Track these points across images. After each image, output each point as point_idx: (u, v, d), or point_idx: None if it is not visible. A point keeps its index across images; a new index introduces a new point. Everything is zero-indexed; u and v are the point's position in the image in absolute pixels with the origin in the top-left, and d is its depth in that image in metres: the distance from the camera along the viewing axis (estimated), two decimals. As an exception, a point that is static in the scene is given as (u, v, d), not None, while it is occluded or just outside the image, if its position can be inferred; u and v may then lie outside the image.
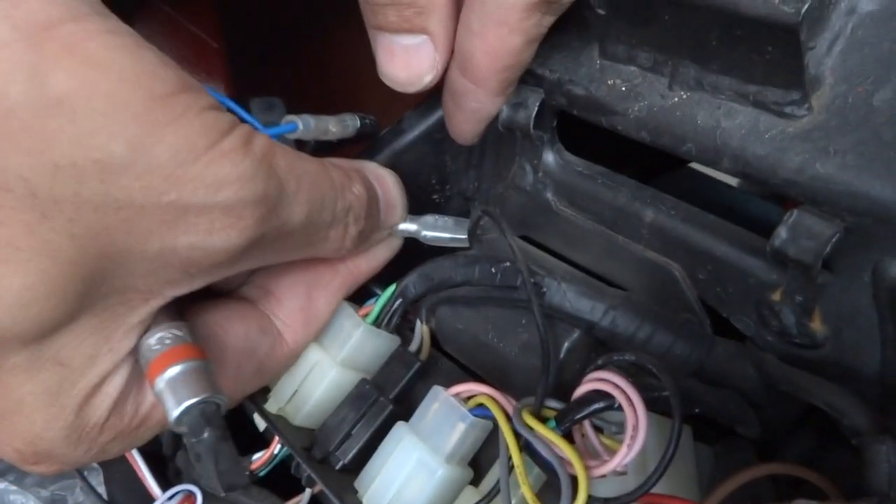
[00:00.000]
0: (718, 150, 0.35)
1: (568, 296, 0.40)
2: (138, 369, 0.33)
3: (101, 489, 0.51)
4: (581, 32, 0.42)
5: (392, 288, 0.46)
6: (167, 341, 0.33)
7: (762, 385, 0.39)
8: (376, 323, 0.46)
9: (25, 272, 0.26)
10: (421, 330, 0.46)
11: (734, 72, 0.35)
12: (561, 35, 0.43)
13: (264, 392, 0.47)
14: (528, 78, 0.44)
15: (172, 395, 0.32)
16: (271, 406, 0.45)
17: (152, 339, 0.33)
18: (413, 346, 0.47)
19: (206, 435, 0.31)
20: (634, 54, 0.39)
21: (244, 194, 0.30)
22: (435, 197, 0.53)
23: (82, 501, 0.51)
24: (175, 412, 0.31)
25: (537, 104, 0.43)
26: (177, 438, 0.53)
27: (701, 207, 0.42)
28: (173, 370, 0.32)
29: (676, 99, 0.37)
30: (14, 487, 0.51)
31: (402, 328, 0.48)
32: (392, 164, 0.50)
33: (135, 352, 0.33)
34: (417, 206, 0.54)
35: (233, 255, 0.31)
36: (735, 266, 0.38)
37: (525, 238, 0.49)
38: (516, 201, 0.49)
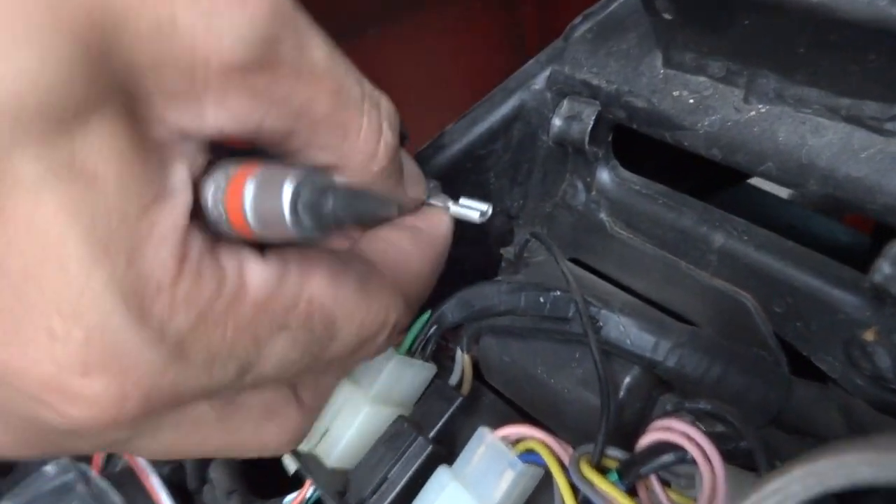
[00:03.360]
0: (804, 171, 0.31)
1: (628, 331, 0.36)
2: (204, 227, 0.25)
3: (122, 523, 0.49)
4: (642, 39, 0.38)
5: (426, 315, 0.42)
6: (235, 164, 0.25)
7: (849, 433, 0.35)
8: (410, 351, 0.42)
9: (27, 36, 0.20)
10: (462, 360, 0.43)
11: (823, 82, 0.31)
12: (618, 41, 0.39)
13: (295, 428, 0.43)
14: (582, 89, 0.40)
15: (271, 187, 0.24)
16: (302, 445, 0.42)
17: (217, 173, 0.25)
18: (453, 379, 0.43)
19: (330, 202, 0.23)
20: (704, 63, 0.35)
21: None
22: (477, 216, 0.50)
23: (102, 535, 0.49)
24: (286, 199, 0.23)
25: (593, 117, 0.39)
26: (202, 469, 0.51)
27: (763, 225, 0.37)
28: (259, 173, 0.24)
29: (753, 113, 0.33)
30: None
31: (440, 356, 0.45)
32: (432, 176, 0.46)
33: (189, 192, 0.25)
34: (458, 225, 0.51)
35: (243, 61, 0.23)
36: (820, 300, 0.34)
37: (575, 261, 0.46)
38: (566, 221, 0.45)
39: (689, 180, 0.49)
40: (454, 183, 0.47)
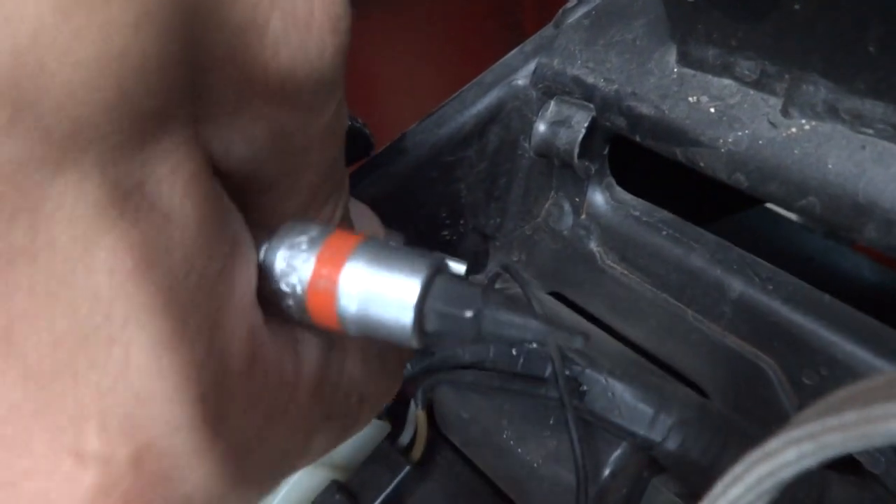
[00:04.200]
0: (860, 212, 0.24)
1: (618, 399, 0.28)
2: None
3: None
4: (651, 27, 0.30)
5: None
6: (316, 231, 0.18)
7: (893, 544, 0.27)
8: (357, 401, 0.35)
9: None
10: (415, 418, 0.35)
11: (894, 94, 0.23)
12: (622, 30, 0.31)
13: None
14: (574, 88, 0.32)
15: (386, 291, 0.17)
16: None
17: (292, 237, 0.18)
18: (404, 438, 0.35)
19: (470, 308, 0.16)
20: (732, 61, 0.27)
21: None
22: (445, 234, 0.42)
23: None
24: (407, 314, 0.17)
25: (585, 125, 0.31)
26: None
27: (774, 256, 0.30)
28: (359, 256, 0.17)
29: (794, 129, 0.25)
30: None
31: (393, 406, 0.37)
32: (388, 193, 0.38)
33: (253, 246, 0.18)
34: (422, 244, 0.43)
35: (319, 82, 0.18)
36: (864, 376, 0.26)
37: (557, 295, 0.38)
38: (548, 248, 0.38)
39: (700, 202, 0.42)
40: (417, 195, 0.39)
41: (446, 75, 0.84)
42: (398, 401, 0.38)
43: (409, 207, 0.40)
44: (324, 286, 0.17)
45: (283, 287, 0.17)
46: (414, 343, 0.17)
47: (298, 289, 0.17)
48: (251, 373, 0.17)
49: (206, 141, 0.17)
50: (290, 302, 0.17)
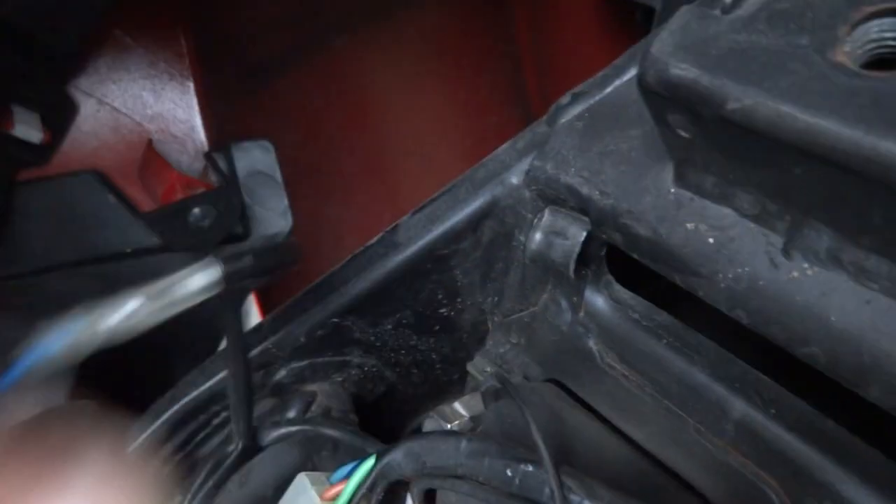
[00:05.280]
0: (865, 370, 0.23)
1: (617, 534, 0.28)
2: None
3: None
4: (647, 140, 0.29)
5: (370, 462, 0.34)
6: None
7: None
8: (349, 505, 0.34)
9: None
10: (414, 518, 0.35)
11: (900, 254, 0.22)
12: (616, 138, 0.30)
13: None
14: (568, 197, 0.31)
15: None
16: None
17: None
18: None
19: None
20: (731, 192, 0.26)
21: None
22: (443, 311, 0.41)
23: None
24: None
25: (581, 239, 0.30)
26: None
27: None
28: None
29: (796, 273, 0.24)
30: None
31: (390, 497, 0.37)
32: (385, 283, 0.38)
33: None
34: (421, 322, 0.42)
35: None
36: (872, 515, 0.26)
37: (557, 383, 0.37)
38: (547, 338, 0.37)
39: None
40: (414, 283, 0.38)
41: (444, 87, 0.82)
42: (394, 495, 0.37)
43: (405, 294, 0.39)
44: None
45: None
46: None
47: None
48: None
49: None
50: None
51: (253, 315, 0.66)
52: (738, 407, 0.29)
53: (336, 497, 0.34)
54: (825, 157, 0.19)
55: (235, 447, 0.40)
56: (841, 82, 0.19)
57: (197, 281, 0.32)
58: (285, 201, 0.61)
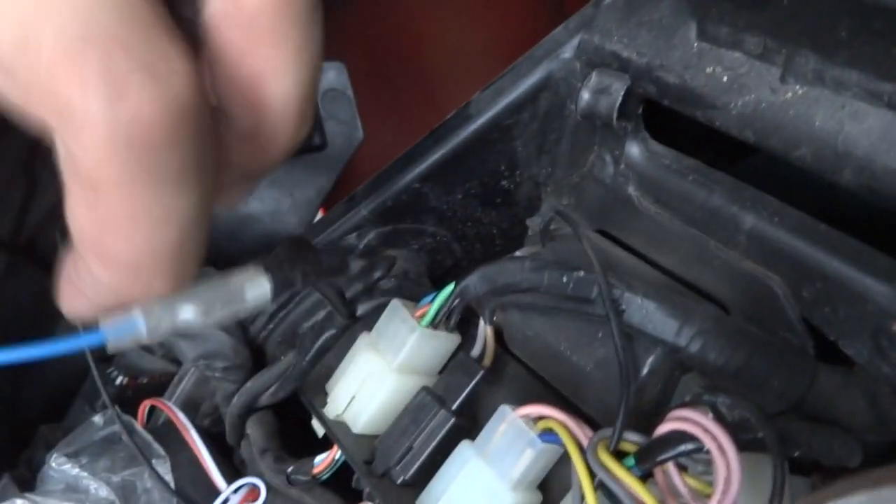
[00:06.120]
0: (840, 159, 0.30)
1: (651, 315, 0.36)
2: None
3: (169, 477, 0.51)
4: (676, 8, 0.36)
5: (450, 287, 0.42)
6: None
7: (873, 419, 0.34)
8: (433, 322, 0.43)
9: None
10: (484, 333, 0.43)
11: (865, 66, 0.29)
12: (651, 10, 0.37)
13: (323, 395, 0.45)
14: (612, 60, 0.39)
15: None
16: (330, 411, 0.43)
17: None
18: (475, 351, 0.43)
19: None
20: (740, 38, 0.33)
21: None
22: (504, 183, 0.49)
23: (150, 488, 0.51)
24: None
25: (622, 92, 0.38)
26: (241, 425, 0.53)
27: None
28: None
29: (790, 94, 0.32)
30: (85, 473, 0.51)
31: (465, 322, 0.45)
32: (458, 151, 0.46)
33: None
34: (486, 193, 0.50)
35: None
36: (849, 287, 0.33)
37: (603, 233, 0.45)
38: (594, 193, 0.45)
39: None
40: (480, 153, 0.46)
41: (493, 22, 0.89)
42: (465, 318, 0.45)
43: (474, 163, 0.47)
44: None
45: None
46: None
47: None
48: None
49: None
50: None
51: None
52: (749, 220, 0.37)
53: (424, 315, 0.43)
54: (803, -18, 0.27)
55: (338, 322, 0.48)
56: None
57: (248, 301, 0.31)
58: (357, 116, 0.69)
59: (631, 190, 0.42)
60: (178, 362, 0.58)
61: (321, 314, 0.54)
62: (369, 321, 0.48)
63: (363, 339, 0.44)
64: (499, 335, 0.45)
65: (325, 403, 0.44)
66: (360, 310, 0.50)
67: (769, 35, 0.32)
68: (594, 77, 0.39)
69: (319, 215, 0.73)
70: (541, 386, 0.44)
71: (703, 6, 0.33)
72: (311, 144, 0.67)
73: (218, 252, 0.71)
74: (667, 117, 0.42)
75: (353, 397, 0.43)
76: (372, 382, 0.42)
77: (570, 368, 0.40)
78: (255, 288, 0.30)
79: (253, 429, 0.51)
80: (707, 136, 0.44)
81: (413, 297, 0.51)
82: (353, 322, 0.49)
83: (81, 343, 0.25)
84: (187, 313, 0.27)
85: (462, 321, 0.44)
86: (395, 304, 0.44)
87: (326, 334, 0.48)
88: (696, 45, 0.35)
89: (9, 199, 0.53)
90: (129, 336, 0.25)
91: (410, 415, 0.41)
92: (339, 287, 0.50)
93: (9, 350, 0.24)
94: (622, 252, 0.43)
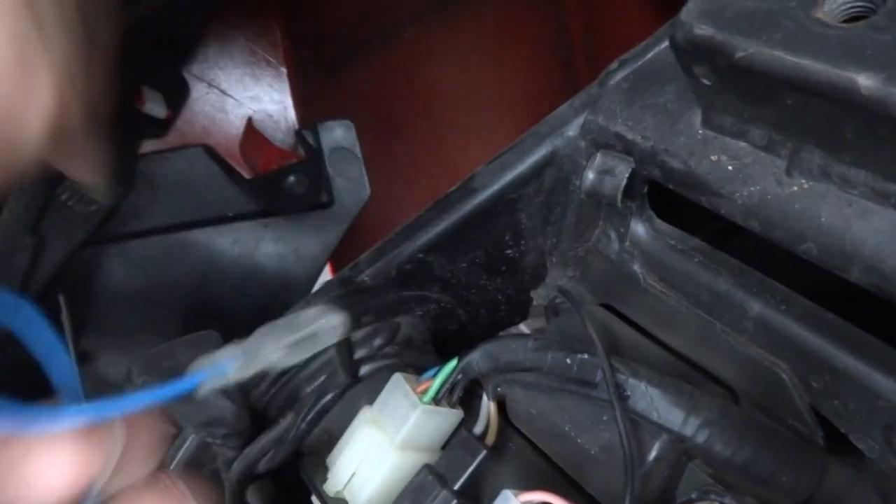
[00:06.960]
0: (847, 257, 0.30)
1: (656, 403, 0.35)
2: None
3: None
4: (680, 93, 0.36)
5: (453, 363, 0.42)
6: None
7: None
8: (436, 398, 0.42)
9: None
10: (488, 410, 0.42)
11: (872, 166, 0.29)
12: (655, 93, 0.37)
13: (323, 470, 0.44)
14: (616, 142, 0.38)
15: None
16: (330, 487, 0.43)
17: None
18: (478, 428, 0.43)
19: None
20: (745, 129, 0.33)
21: None
22: (509, 252, 0.49)
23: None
24: None
25: (626, 175, 0.37)
26: (240, 496, 0.52)
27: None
28: None
29: (796, 188, 0.31)
30: None
31: (468, 392, 0.44)
32: (462, 223, 0.46)
33: None
34: (491, 261, 0.50)
35: None
36: (859, 382, 0.33)
37: (608, 307, 0.44)
38: (599, 268, 0.44)
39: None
40: (484, 225, 0.46)
41: (501, 73, 0.90)
42: (470, 394, 0.45)
43: (479, 234, 0.47)
44: None
45: None
46: None
47: None
48: None
49: None
50: None
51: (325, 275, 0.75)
52: (755, 306, 0.36)
53: (426, 391, 0.42)
54: (807, 88, 0.27)
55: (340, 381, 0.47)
56: (818, 32, 0.26)
57: (326, 339, 0.35)
58: (364, 174, 0.69)
59: (636, 267, 0.42)
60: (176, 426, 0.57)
61: (323, 378, 0.54)
62: (370, 384, 0.47)
63: (364, 414, 0.44)
64: (502, 405, 0.44)
65: (325, 479, 0.43)
66: (363, 371, 0.50)
67: (774, 129, 0.32)
68: (598, 158, 0.39)
69: (327, 270, 0.73)
70: (545, 464, 0.43)
71: (706, 97, 0.33)
72: (318, 202, 0.68)
73: (223, 306, 0.71)
74: (672, 192, 0.42)
75: (354, 473, 0.42)
76: (373, 459, 0.42)
77: (574, 450, 0.40)
78: (330, 325, 0.34)
79: (253, 498, 0.50)
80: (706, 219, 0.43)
81: (416, 364, 0.50)
82: (354, 383, 0.49)
83: (177, 389, 0.27)
84: (273, 354, 0.31)
85: (465, 391, 0.43)
86: (398, 379, 0.43)
87: (326, 397, 0.48)
88: (700, 132, 0.35)
89: (15, 260, 0.53)
90: (220, 380, 0.29)
91: (412, 495, 0.40)
92: (351, 345, 0.49)
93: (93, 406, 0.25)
94: (627, 329, 0.42)
